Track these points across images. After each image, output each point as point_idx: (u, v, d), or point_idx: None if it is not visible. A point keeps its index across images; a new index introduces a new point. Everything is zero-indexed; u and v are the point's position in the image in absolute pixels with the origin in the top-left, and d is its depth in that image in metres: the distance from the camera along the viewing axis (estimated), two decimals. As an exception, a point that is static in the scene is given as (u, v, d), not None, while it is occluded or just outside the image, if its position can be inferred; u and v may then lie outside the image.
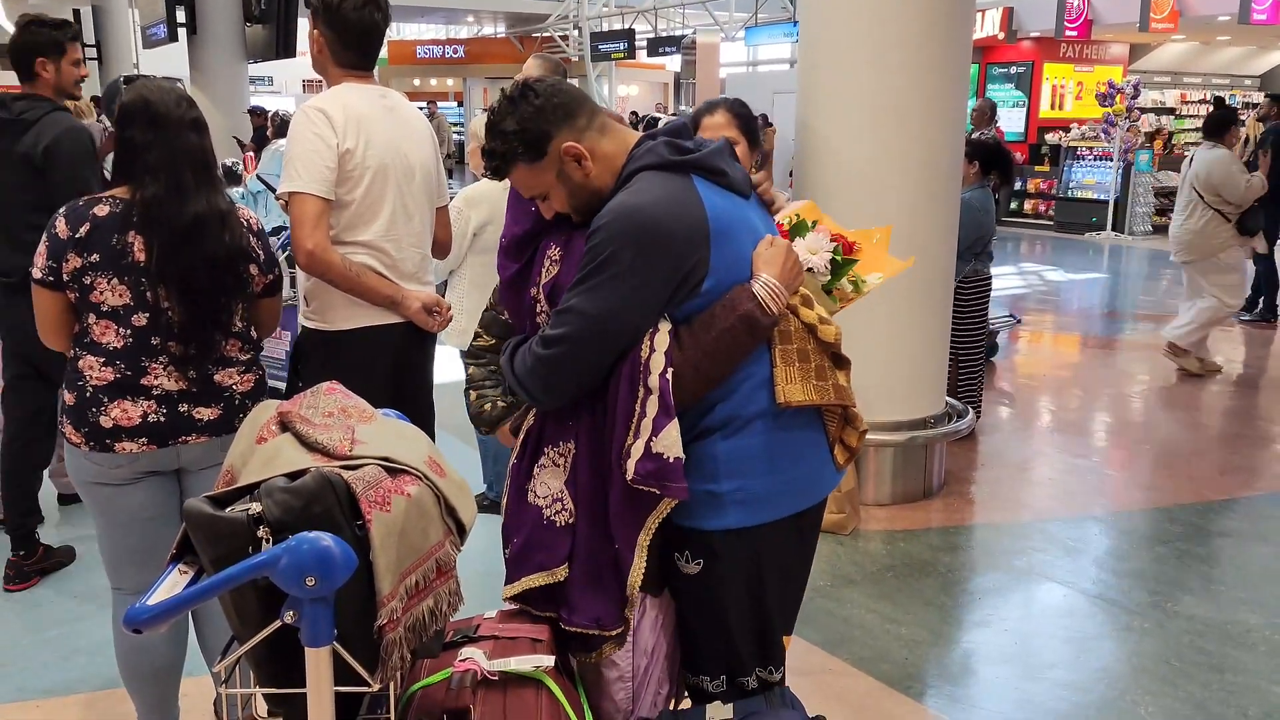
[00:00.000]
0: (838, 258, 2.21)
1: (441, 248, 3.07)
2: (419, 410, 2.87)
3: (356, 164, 2.66)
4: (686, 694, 2.15)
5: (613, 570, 1.93)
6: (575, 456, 1.94)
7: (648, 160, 1.87)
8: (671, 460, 1.81)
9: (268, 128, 10.76)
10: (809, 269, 2.14)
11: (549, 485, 1.96)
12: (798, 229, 2.22)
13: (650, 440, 1.81)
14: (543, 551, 1.95)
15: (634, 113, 22.18)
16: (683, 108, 24.31)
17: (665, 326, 1.86)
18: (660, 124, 2.12)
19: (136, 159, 2.33)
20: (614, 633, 1.95)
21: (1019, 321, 7.38)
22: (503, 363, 1.95)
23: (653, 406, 1.83)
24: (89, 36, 18.01)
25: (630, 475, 1.82)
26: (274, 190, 4.00)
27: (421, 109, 9.55)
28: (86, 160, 3.63)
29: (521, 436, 2.06)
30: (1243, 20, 14.22)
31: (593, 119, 1.90)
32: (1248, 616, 3.63)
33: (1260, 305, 8.84)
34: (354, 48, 2.77)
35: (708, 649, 2.04)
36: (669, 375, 1.84)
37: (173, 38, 12.49)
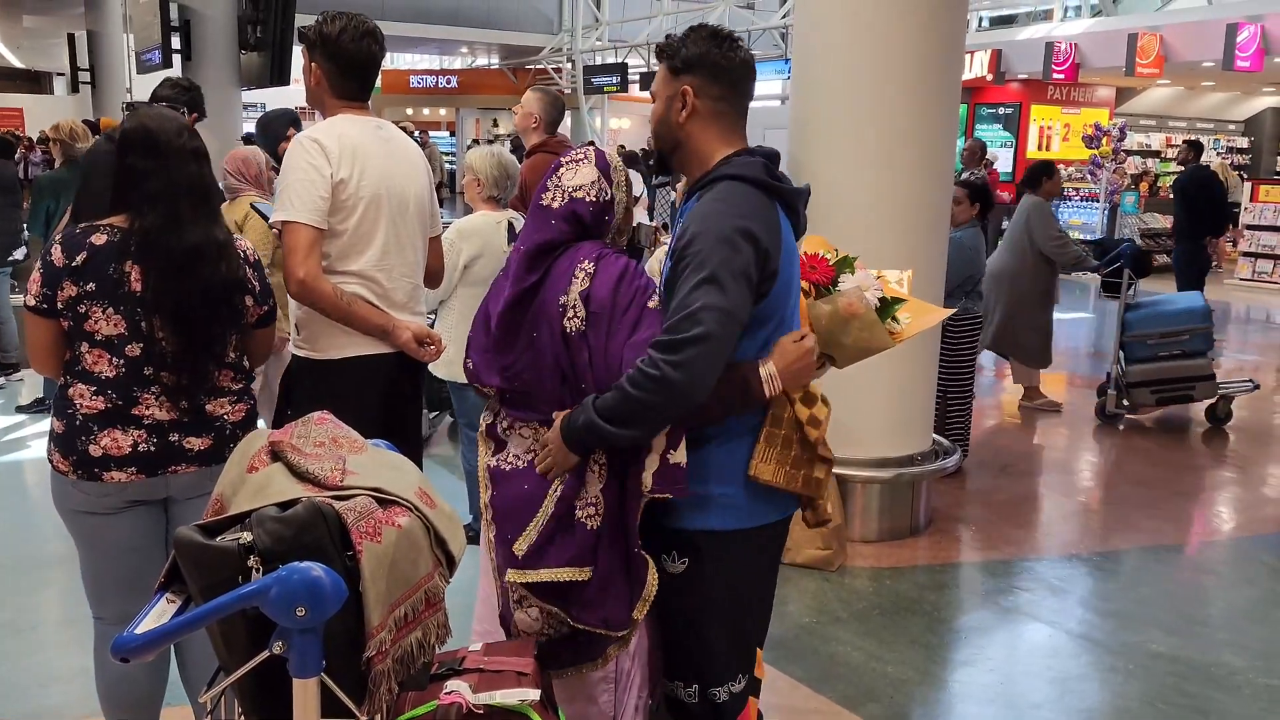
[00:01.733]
0: (886, 297, 2.27)
1: (433, 278, 3.08)
2: (407, 440, 2.88)
3: (350, 194, 2.68)
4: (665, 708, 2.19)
5: (623, 574, 2.05)
6: (606, 466, 2.05)
7: (746, 173, 2.02)
8: (683, 465, 2.02)
9: (260, 155, 10.76)
10: (864, 302, 2.23)
11: (587, 490, 2.06)
12: (842, 264, 2.30)
13: (668, 454, 2.01)
14: (573, 549, 2.04)
15: (622, 145, 22.33)
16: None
17: None
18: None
19: (136, 187, 2.34)
20: (619, 634, 2.08)
21: (1256, 387, 7.31)
22: (633, 392, 1.92)
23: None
24: (82, 61, 18.11)
25: (649, 488, 2.00)
26: (267, 218, 4.01)
27: (414, 136, 9.60)
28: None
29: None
30: (1226, 67, 14.44)
31: (732, 105, 2.09)
32: (1232, 659, 3.64)
33: None
34: (352, 79, 2.80)
35: (686, 651, 2.12)
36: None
37: (167, 64, 12.54)
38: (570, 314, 2.06)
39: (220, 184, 3.72)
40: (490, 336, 2.14)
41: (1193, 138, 12.32)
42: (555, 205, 2.15)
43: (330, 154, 2.66)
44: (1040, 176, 7.17)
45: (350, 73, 2.80)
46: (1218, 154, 21.18)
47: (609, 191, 2.17)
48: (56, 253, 2.31)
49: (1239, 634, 3.86)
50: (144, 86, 15.69)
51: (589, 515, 2.05)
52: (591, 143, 2.43)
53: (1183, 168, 10.62)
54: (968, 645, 3.74)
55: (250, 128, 14.71)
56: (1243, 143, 21.63)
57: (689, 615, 2.10)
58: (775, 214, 2.02)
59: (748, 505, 2.08)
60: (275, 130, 5.10)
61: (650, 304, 2.08)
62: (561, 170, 2.19)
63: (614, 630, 2.06)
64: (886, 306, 2.26)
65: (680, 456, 2.01)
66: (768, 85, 23.93)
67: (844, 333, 2.18)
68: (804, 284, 2.22)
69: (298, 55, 2.98)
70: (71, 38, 19.06)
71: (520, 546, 2.04)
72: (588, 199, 2.15)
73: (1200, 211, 9.50)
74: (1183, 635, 3.82)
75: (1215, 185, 9.77)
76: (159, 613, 1.40)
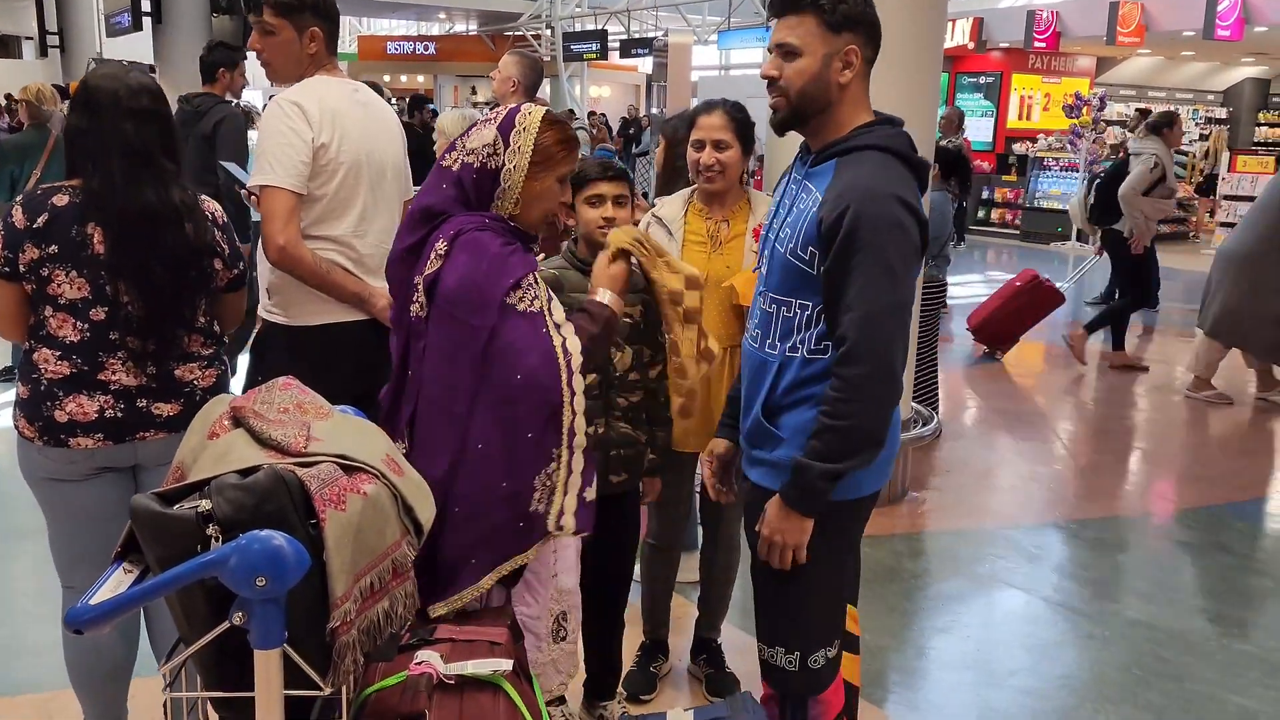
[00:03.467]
0: None
1: None
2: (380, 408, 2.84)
3: (330, 159, 2.62)
4: (762, 675, 2.19)
5: (422, 555, 1.92)
6: (407, 455, 1.98)
7: (895, 145, 1.97)
8: (594, 502, 2.04)
9: (233, 120, 10.62)
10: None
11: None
12: None
13: (583, 492, 2.01)
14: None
15: (602, 114, 22.18)
16: (654, 110, 24.33)
17: (580, 386, 1.99)
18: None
19: (73, 146, 2.29)
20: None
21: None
22: (852, 408, 1.90)
23: (578, 462, 2.01)
24: (51, 24, 17.75)
25: (573, 530, 2.01)
26: (241, 183, 3.94)
27: (391, 102, 9.46)
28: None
29: (385, 418, 2.12)
30: (1207, 35, 14.45)
31: (870, 67, 2.01)
32: (1207, 625, 3.67)
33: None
34: (334, 36, 2.77)
35: (788, 619, 2.10)
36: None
37: (137, 26, 12.32)
38: (415, 297, 1.99)
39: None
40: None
41: (1144, 106, 12.43)
42: (453, 168, 2.04)
43: (310, 117, 2.60)
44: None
45: (335, 30, 2.78)
46: (1196, 124, 21.25)
47: (500, 158, 2.02)
48: (18, 214, 2.25)
49: (1213, 600, 3.89)
50: (113, 50, 15.46)
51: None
52: (540, 104, 2.35)
53: (1131, 134, 10.83)
54: (945, 612, 3.75)
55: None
56: (1221, 113, 21.68)
57: (792, 586, 2.07)
58: (913, 187, 1.97)
59: (856, 476, 2.01)
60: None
61: (520, 305, 1.96)
62: (472, 130, 2.07)
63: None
64: None
65: (592, 493, 2.03)
66: (749, 53, 23.80)
67: None
68: None
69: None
70: (39, 1, 18.66)
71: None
72: (474, 164, 2.02)
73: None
74: (1158, 602, 3.85)
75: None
76: (115, 583, 1.36)
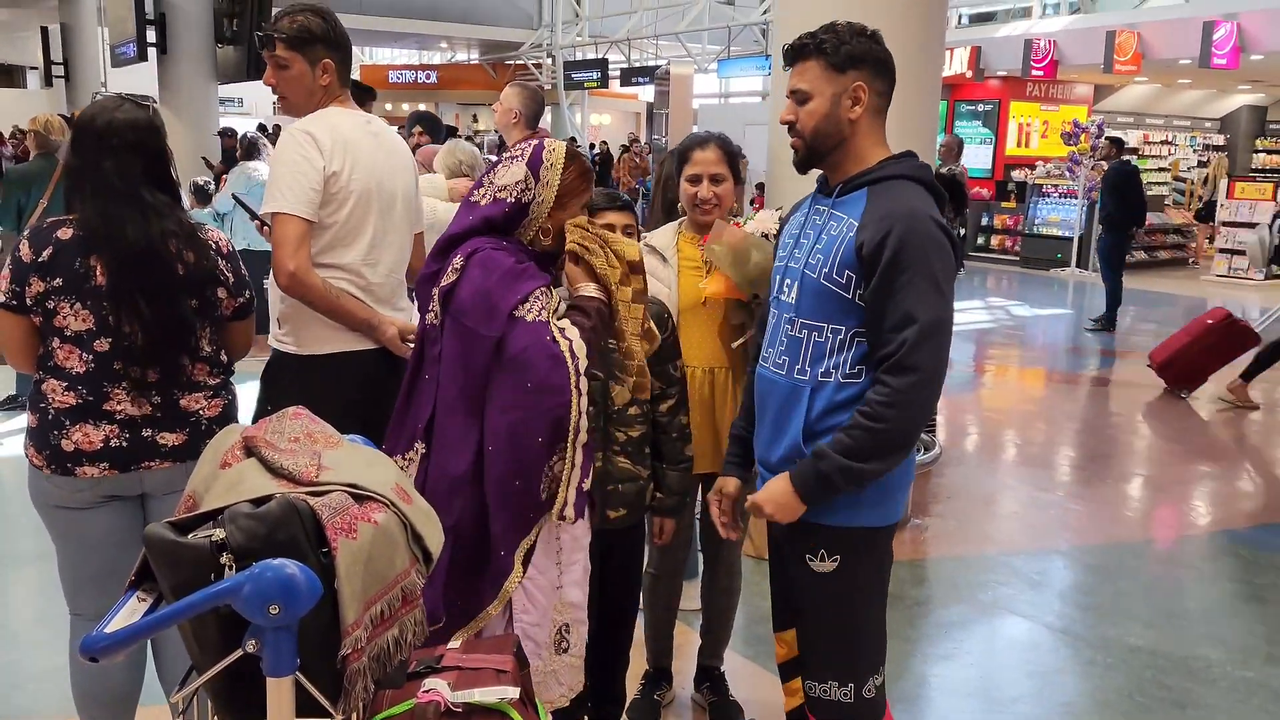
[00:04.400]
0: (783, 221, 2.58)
1: (415, 274, 3.06)
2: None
3: (341, 187, 2.65)
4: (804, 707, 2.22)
5: (444, 566, 2.10)
6: (425, 457, 2.14)
7: (922, 176, 2.06)
8: (588, 491, 2.20)
9: (237, 149, 10.73)
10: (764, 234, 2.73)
11: (411, 480, 2.10)
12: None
13: (581, 483, 2.14)
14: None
15: (604, 142, 22.31)
16: (655, 138, 24.47)
17: (584, 386, 2.09)
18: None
19: (67, 180, 2.34)
20: (431, 628, 2.06)
21: None
22: (889, 418, 1.95)
23: (579, 456, 2.12)
24: (56, 54, 17.91)
25: (573, 519, 2.14)
26: (249, 209, 3.98)
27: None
28: None
29: (395, 421, 2.24)
30: (1203, 64, 14.56)
31: (887, 103, 2.10)
32: (1209, 652, 3.67)
33: (1103, 316, 10.01)
34: (347, 67, 2.81)
35: (841, 650, 2.12)
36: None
37: (142, 57, 12.43)
38: (431, 305, 2.14)
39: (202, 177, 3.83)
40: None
41: (1115, 134, 12.63)
42: (481, 203, 2.19)
43: (322, 146, 2.63)
44: None
45: (348, 61, 2.81)
46: (1195, 151, 21.36)
47: (533, 190, 2.16)
48: (24, 248, 2.28)
49: (1215, 627, 3.89)
50: (118, 80, 15.59)
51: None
52: (544, 135, 2.45)
53: (1105, 163, 11.02)
54: (947, 639, 3.75)
55: (227, 122, 14.60)
56: (1219, 140, 21.80)
57: (844, 613, 2.11)
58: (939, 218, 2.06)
59: (895, 499, 2.11)
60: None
61: (529, 316, 2.07)
62: (498, 167, 2.21)
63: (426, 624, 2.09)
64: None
65: (587, 483, 2.18)
66: (748, 82, 23.95)
67: (745, 261, 2.52)
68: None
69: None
70: (45, 31, 18.84)
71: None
72: (508, 199, 2.17)
73: (1129, 203, 9.99)
74: (1161, 629, 3.85)
75: (1136, 179, 10.32)
76: (129, 611, 1.38)
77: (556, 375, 2.06)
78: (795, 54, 2.07)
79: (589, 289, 2.22)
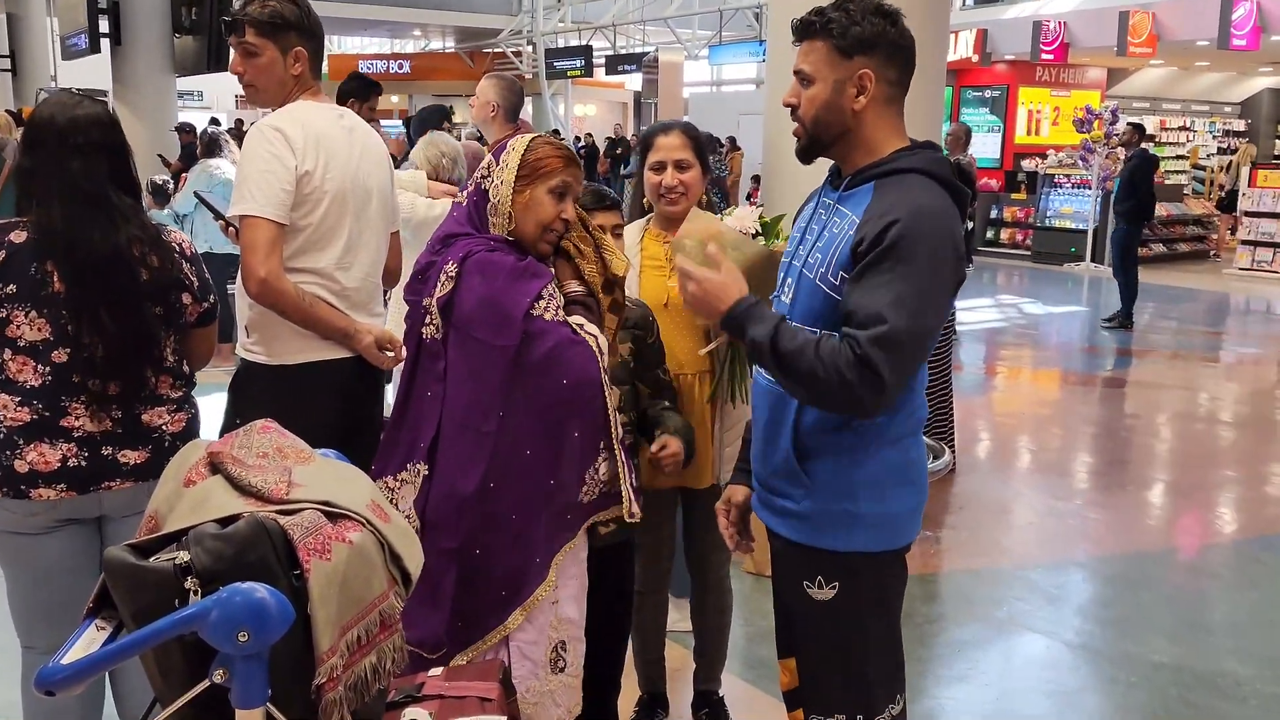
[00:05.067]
0: (765, 221, 2.65)
1: (391, 275, 3.06)
2: (367, 453, 2.84)
3: (315, 187, 2.64)
4: None
5: (449, 593, 2.13)
6: (428, 478, 2.16)
7: (937, 170, 1.97)
8: (639, 487, 2.32)
9: (197, 145, 10.71)
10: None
11: (409, 503, 2.17)
12: (767, 227, 2.68)
13: (632, 478, 2.28)
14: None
15: (589, 135, 22.33)
16: (643, 129, 24.54)
17: (608, 383, 2.17)
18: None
19: (19, 182, 2.32)
20: (433, 656, 2.13)
21: None
22: (823, 361, 1.86)
23: (621, 455, 2.24)
24: (2, 47, 17.84)
25: (640, 515, 2.27)
26: (213, 209, 3.96)
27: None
28: None
29: (388, 440, 2.28)
30: (1222, 45, 14.66)
31: (903, 90, 2.02)
32: (1237, 667, 3.68)
33: (1119, 313, 10.10)
34: (319, 57, 2.79)
35: (842, 684, 2.07)
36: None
37: (94, 49, 12.40)
38: (429, 320, 2.16)
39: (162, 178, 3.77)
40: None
41: (1134, 120, 12.66)
42: (462, 200, 2.27)
43: (294, 144, 2.61)
44: None
45: (320, 51, 2.79)
46: (1214, 137, 21.49)
47: (491, 176, 2.22)
48: None
49: (1243, 640, 3.91)
50: (69, 73, 15.54)
51: None
52: (526, 128, 2.49)
53: (1124, 149, 11.08)
54: (962, 659, 3.76)
55: (186, 117, 14.57)
56: (1240, 125, 21.94)
57: (845, 645, 2.05)
58: (959, 219, 1.98)
59: (900, 522, 2.04)
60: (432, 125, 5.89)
61: (547, 315, 2.12)
62: (487, 161, 2.28)
63: (427, 652, 2.13)
64: (769, 228, 2.63)
65: (637, 480, 2.31)
66: (743, 69, 24.04)
67: (718, 260, 2.50)
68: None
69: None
70: (-10, 21, 18.77)
71: None
72: (473, 190, 2.25)
73: (1146, 194, 10.11)
74: (1185, 643, 3.86)
75: (1153, 171, 10.46)
76: (87, 641, 1.37)
77: (591, 369, 2.16)
78: (802, 31, 2.00)
79: (576, 287, 2.26)
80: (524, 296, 2.12)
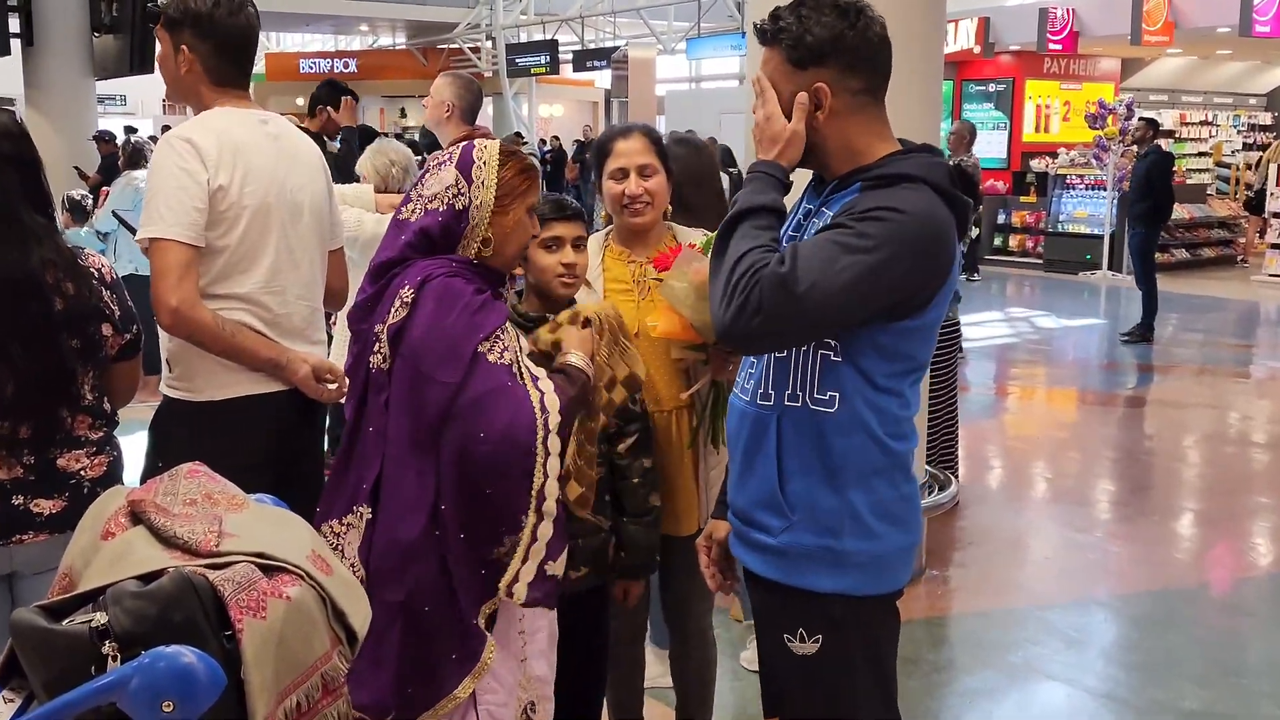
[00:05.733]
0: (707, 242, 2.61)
1: (336, 297, 3.05)
2: (307, 497, 2.82)
3: (231, 203, 2.63)
4: None
5: (395, 650, 2.12)
6: (370, 522, 2.17)
7: (932, 176, 1.95)
8: (558, 578, 2.21)
9: (119, 155, 10.68)
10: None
11: (351, 548, 2.17)
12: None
13: (545, 564, 2.16)
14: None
15: (555, 138, 22.41)
16: (600, 133, 24.66)
17: (556, 447, 2.12)
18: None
19: None
20: None
21: None
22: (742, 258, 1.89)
23: (546, 530, 2.15)
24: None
25: (522, 600, 2.16)
26: (133, 230, 3.97)
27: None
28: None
29: (333, 482, 2.27)
30: (1244, 32, 14.88)
31: (876, 94, 2.01)
32: (1274, 712, 3.71)
33: (1139, 325, 10.19)
34: (231, 61, 2.75)
35: None
36: (565, 497, 2.23)
37: (3, 51, 12.34)
38: (377, 348, 2.16)
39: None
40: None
41: (1148, 115, 12.82)
42: (411, 219, 2.23)
43: (206, 156, 2.61)
44: None
45: (229, 53, 2.74)
46: (1239, 132, 21.77)
47: (467, 194, 2.20)
48: None
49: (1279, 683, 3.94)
50: (-23, 78, 15.46)
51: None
52: (483, 132, 2.50)
53: (1136, 147, 11.26)
54: (974, 710, 3.77)
55: (109, 123, 14.52)
56: (1266, 119, 22.24)
57: (829, 706, 2.03)
58: (953, 227, 1.96)
59: (891, 563, 2.03)
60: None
61: (490, 356, 2.12)
62: (424, 178, 2.26)
63: (380, 716, 2.13)
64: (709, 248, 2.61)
65: (558, 569, 2.19)
66: (724, 63, 24.24)
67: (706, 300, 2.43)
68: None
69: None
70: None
71: None
72: (439, 209, 2.21)
73: (1163, 194, 10.26)
74: (1217, 688, 3.88)
75: (1170, 169, 10.67)
76: (-6, 714, 1.36)
77: (523, 427, 2.09)
78: (760, 37, 2.03)
79: (579, 360, 2.28)
80: (477, 332, 2.12)
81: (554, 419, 2.11)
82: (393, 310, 2.14)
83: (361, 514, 2.17)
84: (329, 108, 6.01)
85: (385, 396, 2.16)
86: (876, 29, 1.99)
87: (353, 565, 2.14)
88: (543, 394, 2.12)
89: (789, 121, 1.98)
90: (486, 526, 2.13)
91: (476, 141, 2.27)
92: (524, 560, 2.13)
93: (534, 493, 2.11)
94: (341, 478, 2.25)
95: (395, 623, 2.13)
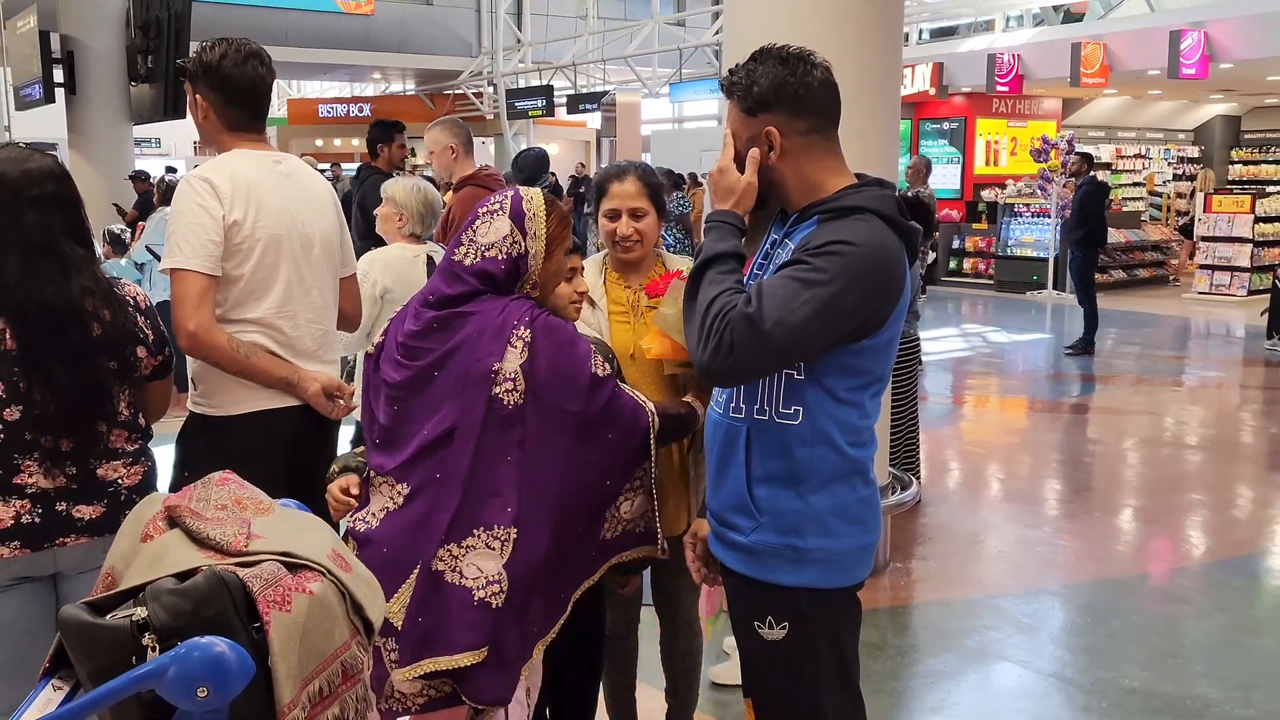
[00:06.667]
0: None
1: (348, 321, 3.06)
2: (321, 502, 2.83)
3: (245, 236, 2.65)
4: None
5: (517, 649, 2.17)
6: (517, 542, 2.15)
7: (882, 208, 1.98)
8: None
9: (153, 193, 10.67)
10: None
11: (481, 567, 2.12)
12: None
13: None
14: (470, 632, 2.11)
15: (553, 174, 22.41)
16: (599, 170, 24.70)
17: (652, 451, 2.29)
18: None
19: None
20: (503, 708, 2.22)
21: None
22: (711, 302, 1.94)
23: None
24: (-46, 96, 17.70)
25: (668, 553, 2.42)
26: (159, 258, 3.96)
27: (324, 171, 9.66)
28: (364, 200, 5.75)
29: (406, 511, 2.21)
30: (1172, 75, 15.01)
31: (823, 132, 2.04)
32: (1207, 691, 3.72)
33: (1081, 340, 10.32)
34: (240, 107, 2.78)
35: None
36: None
37: (49, 99, 12.35)
38: (505, 384, 2.15)
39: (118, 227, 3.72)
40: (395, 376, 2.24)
41: (1085, 149, 12.94)
42: (467, 262, 2.24)
43: (221, 194, 2.63)
44: None
45: (237, 101, 2.77)
46: (1169, 164, 21.92)
47: (522, 244, 2.23)
48: None
49: (1213, 664, 3.95)
50: (23, 124, 15.47)
51: (493, 594, 2.12)
52: (489, 170, 2.53)
53: (1075, 179, 11.30)
54: (935, 690, 3.77)
55: (144, 164, 14.51)
56: (1193, 151, 22.40)
57: (797, 686, 2.05)
58: (904, 257, 1.99)
59: (850, 560, 2.07)
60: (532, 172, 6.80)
61: (600, 371, 2.21)
62: (477, 224, 2.27)
63: (502, 705, 2.18)
64: None
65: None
66: (703, 105, 24.30)
67: None
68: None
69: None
70: (-58, 72, 18.64)
71: (392, 609, 2.10)
72: (499, 257, 2.22)
73: (1097, 221, 10.37)
74: (1156, 669, 3.90)
75: (1103, 198, 10.84)
76: (44, 702, 1.36)
77: (641, 418, 2.28)
78: (724, 92, 2.10)
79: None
80: (586, 359, 2.21)
81: (654, 420, 2.30)
82: (512, 349, 2.15)
83: (509, 534, 2.16)
84: (384, 145, 6.14)
85: (519, 429, 2.17)
86: (818, 74, 2.01)
87: (489, 580, 2.13)
88: (638, 396, 2.32)
89: (741, 174, 2.02)
90: (602, 504, 2.29)
91: (523, 191, 2.29)
92: (656, 519, 2.39)
93: (649, 465, 2.31)
94: (440, 510, 2.17)
95: (511, 630, 2.19)
